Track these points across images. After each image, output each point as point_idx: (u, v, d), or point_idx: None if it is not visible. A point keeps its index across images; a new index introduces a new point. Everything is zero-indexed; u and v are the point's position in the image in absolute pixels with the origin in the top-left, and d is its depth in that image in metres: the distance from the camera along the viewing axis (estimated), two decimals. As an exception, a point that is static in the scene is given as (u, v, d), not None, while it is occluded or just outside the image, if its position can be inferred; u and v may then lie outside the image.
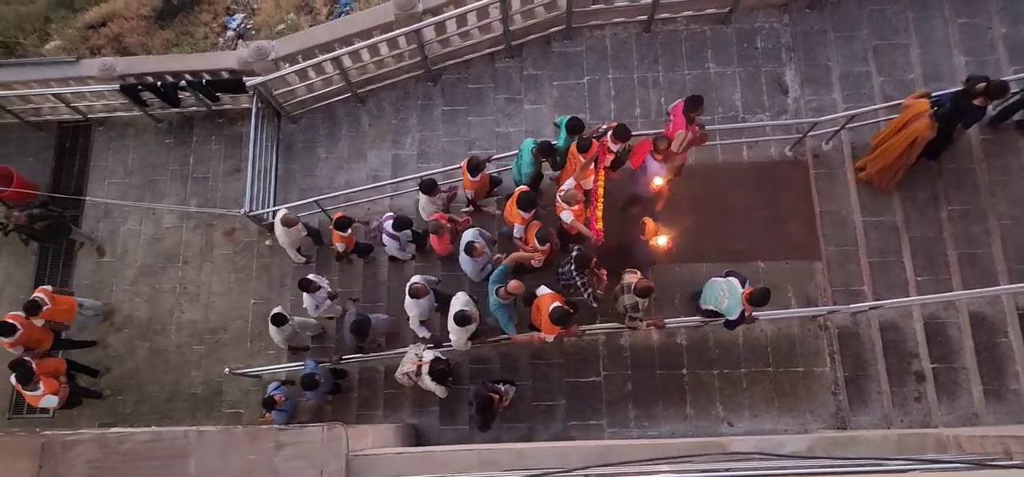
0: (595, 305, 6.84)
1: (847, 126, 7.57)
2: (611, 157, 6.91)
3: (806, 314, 7.29)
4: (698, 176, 7.67)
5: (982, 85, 6.47)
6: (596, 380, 7.54)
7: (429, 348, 7.11)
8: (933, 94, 6.76)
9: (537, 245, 6.67)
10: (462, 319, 6.57)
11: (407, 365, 7.02)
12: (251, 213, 8.43)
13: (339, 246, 7.83)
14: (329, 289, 7.74)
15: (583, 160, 6.75)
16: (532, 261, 6.89)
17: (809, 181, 7.84)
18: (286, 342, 7.96)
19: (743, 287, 6.15)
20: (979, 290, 6.90)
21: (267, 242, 9.11)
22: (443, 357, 7.01)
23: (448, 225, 7.21)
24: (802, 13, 8.31)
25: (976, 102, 6.58)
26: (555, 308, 6.18)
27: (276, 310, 7.62)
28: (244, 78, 8.66)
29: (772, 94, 8.19)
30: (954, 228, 7.34)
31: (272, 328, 7.68)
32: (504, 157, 7.76)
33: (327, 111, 9.20)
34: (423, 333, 7.41)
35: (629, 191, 7.36)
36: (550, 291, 6.52)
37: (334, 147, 9.09)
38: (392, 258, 8.19)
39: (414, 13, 8.15)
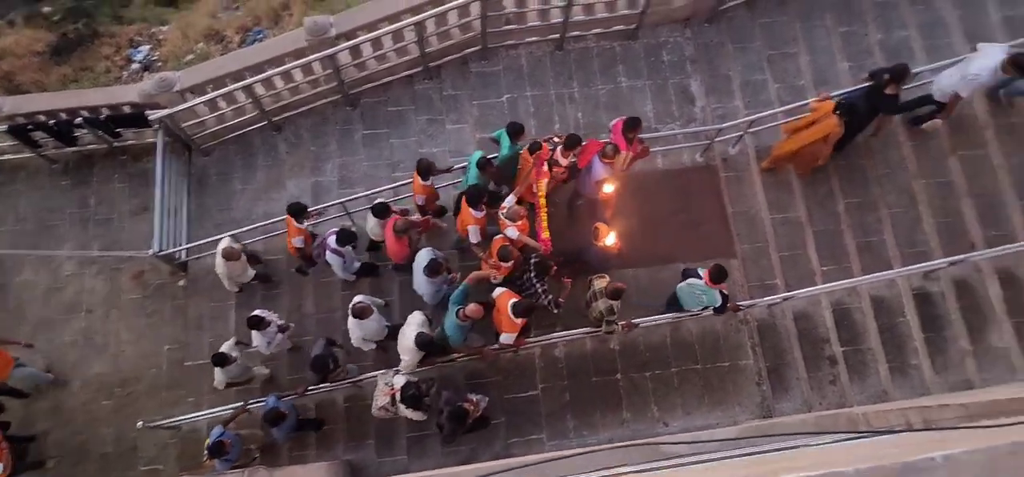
0: (556, 311, 6.67)
1: (749, 130, 7.83)
2: (562, 170, 6.86)
3: (677, 318, 7.32)
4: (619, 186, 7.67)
5: (887, 75, 6.84)
6: (534, 394, 7.36)
7: (398, 373, 6.65)
8: (835, 94, 7.07)
9: (500, 262, 6.44)
10: (424, 343, 6.19)
11: (380, 398, 6.59)
12: (161, 253, 7.74)
13: (297, 240, 7.18)
14: (280, 322, 7.18)
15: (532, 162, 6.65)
16: (493, 277, 6.62)
17: (720, 184, 8.03)
18: (227, 382, 7.14)
19: (700, 278, 6.44)
20: (877, 275, 7.27)
21: (180, 283, 8.38)
22: (413, 380, 6.53)
23: (420, 223, 6.89)
24: (702, 27, 8.57)
25: (888, 91, 6.91)
26: (517, 302, 6.09)
27: (223, 348, 6.98)
28: (147, 112, 7.97)
29: (681, 104, 8.37)
30: (851, 219, 7.71)
31: (215, 369, 6.95)
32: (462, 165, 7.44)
33: (241, 141, 8.63)
34: (369, 347, 6.96)
35: (575, 189, 7.34)
36: (507, 289, 6.39)
37: (251, 178, 8.53)
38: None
39: (327, 38, 7.79)
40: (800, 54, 8.34)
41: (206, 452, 6.66)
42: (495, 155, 7.06)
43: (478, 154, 6.88)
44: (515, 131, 6.84)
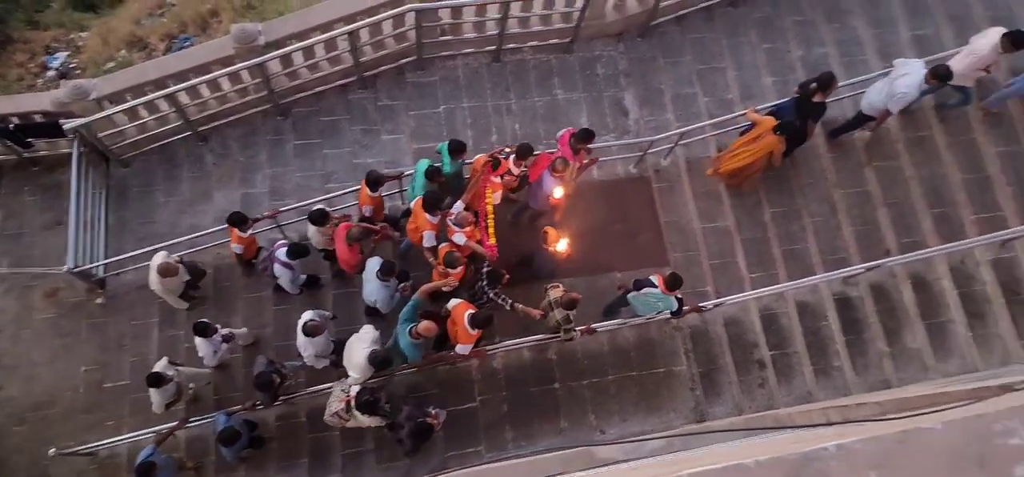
0: (511, 310, 6.60)
1: (680, 142, 8.05)
2: (514, 180, 6.94)
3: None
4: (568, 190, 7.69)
5: (813, 85, 7.14)
6: (472, 406, 7.30)
7: (355, 383, 6.43)
8: (762, 107, 7.39)
9: (447, 269, 6.42)
10: (379, 361, 6.09)
11: (335, 404, 6.37)
12: (77, 269, 7.32)
13: (236, 247, 6.98)
14: (225, 332, 6.87)
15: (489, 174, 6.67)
16: (444, 286, 6.55)
17: (653, 194, 8.22)
18: (165, 404, 6.74)
19: (654, 285, 6.52)
20: (801, 281, 7.56)
21: (98, 301, 7.95)
22: (367, 387, 6.37)
23: (376, 230, 6.73)
24: (635, 42, 8.78)
25: (816, 100, 7.21)
26: (473, 313, 6.09)
27: (156, 367, 6.60)
28: (61, 121, 7.55)
29: (615, 116, 8.53)
30: (777, 228, 8.01)
31: (151, 391, 6.58)
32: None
33: (164, 152, 8.28)
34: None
35: (524, 201, 7.36)
36: (462, 300, 6.37)
37: (175, 190, 8.18)
38: (277, 288, 7.35)
39: (255, 47, 7.57)
40: (727, 69, 8.65)
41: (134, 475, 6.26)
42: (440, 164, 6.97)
43: (425, 163, 6.81)
44: (455, 148, 6.82)
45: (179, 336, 7.70)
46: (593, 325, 6.99)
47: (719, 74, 8.64)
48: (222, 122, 8.24)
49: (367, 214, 7.10)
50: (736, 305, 7.69)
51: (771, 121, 7.19)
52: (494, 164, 6.72)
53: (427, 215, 6.52)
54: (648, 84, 8.67)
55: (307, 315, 6.50)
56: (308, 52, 7.97)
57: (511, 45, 8.56)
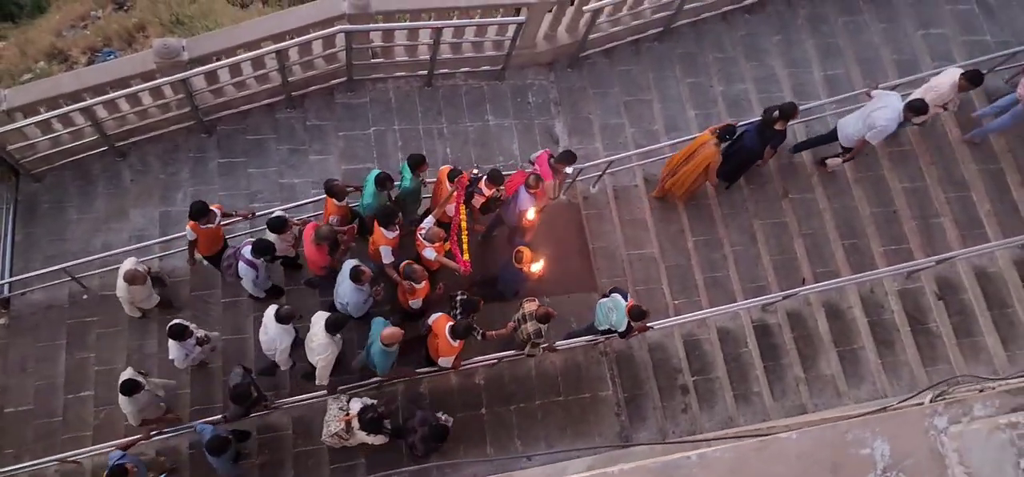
0: (484, 339, 6.75)
1: (608, 171, 8.21)
2: (483, 200, 6.97)
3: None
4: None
5: (776, 112, 7.35)
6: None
7: (356, 398, 6.38)
8: (739, 124, 7.68)
9: (412, 283, 6.36)
10: (334, 324, 6.00)
11: (333, 425, 6.23)
12: (-24, 288, 6.88)
13: (190, 234, 6.65)
14: (199, 334, 6.58)
15: (450, 187, 6.67)
16: (410, 302, 6.53)
17: (582, 221, 8.32)
18: (140, 414, 6.30)
19: (626, 301, 6.61)
20: (722, 307, 7.75)
21: (1, 321, 7.46)
22: (371, 402, 6.25)
23: (346, 231, 6.60)
24: (565, 72, 8.95)
25: (777, 127, 7.43)
26: (454, 325, 6.10)
27: (125, 375, 6.13)
28: (-36, 132, 7.14)
29: (545, 144, 8.62)
30: (699, 256, 8.21)
31: (123, 399, 6.12)
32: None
33: (79, 167, 7.91)
34: (287, 365, 6.65)
35: (498, 216, 7.41)
36: (443, 313, 6.40)
37: (89, 207, 7.81)
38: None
39: (179, 62, 7.35)
40: (653, 101, 8.89)
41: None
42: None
43: (375, 171, 6.75)
44: (416, 162, 6.76)
45: (89, 359, 7.30)
46: (556, 343, 7.13)
47: (645, 106, 8.88)
48: (142, 138, 7.93)
49: (334, 223, 6.89)
50: (661, 331, 7.81)
51: (706, 135, 7.40)
52: (450, 175, 6.71)
53: (383, 230, 6.47)
54: (577, 113, 8.83)
55: (351, 262, 6.32)
56: (234, 69, 7.80)
57: (443, 70, 8.60)
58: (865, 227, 8.45)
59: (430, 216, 6.70)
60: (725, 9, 9.22)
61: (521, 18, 8.12)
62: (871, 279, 8.15)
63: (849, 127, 7.76)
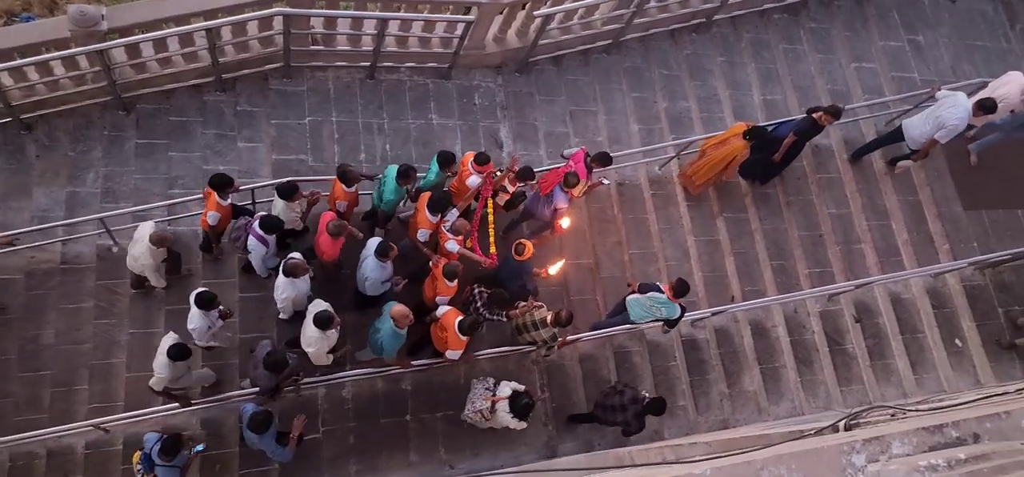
0: (507, 321, 6.56)
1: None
2: (507, 197, 6.82)
3: (522, 349, 7.22)
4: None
5: (821, 111, 7.27)
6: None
7: (504, 382, 6.33)
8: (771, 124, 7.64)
9: (446, 282, 6.13)
10: (323, 320, 5.61)
11: (478, 402, 6.24)
12: None
13: (211, 216, 6.06)
14: (222, 307, 5.95)
15: (475, 173, 6.48)
16: (437, 298, 6.27)
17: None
18: (165, 384, 5.69)
19: (661, 291, 6.53)
20: (653, 321, 7.48)
21: None
22: (523, 389, 6.20)
23: (345, 226, 6.18)
24: (513, 76, 8.52)
25: (815, 116, 7.28)
26: (462, 320, 5.93)
27: (174, 339, 5.55)
28: None
29: (489, 147, 8.17)
30: (634, 268, 7.94)
31: (165, 362, 5.47)
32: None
33: (-23, 138, 6.97)
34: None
35: (528, 209, 7.13)
36: (452, 307, 6.19)
37: (-15, 182, 6.90)
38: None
39: (96, 31, 6.52)
40: (599, 113, 8.56)
41: (165, 452, 5.32)
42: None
43: (394, 168, 6.38)
44: (446, 160, 6.51)
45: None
46: (575, 336, 6.94)
47: (591, 117, 8.54)
48: (51, 111, 7.05)
49: (341, 210, 6.47)
50: (592, 341, 7.50)
51: (742, 126, 7.27)
52: (478, 160, 6.52)
53: (428, 214, 6.27)
54: (523, 119, 8.41)
55: (294, 255, 5.92)
56: (159, 45, 7.01)
57: (387, 64, 8.01)
58: (793, 249, 8.39)
59: (455, 209, 6.49)
60: (673, 27, 8.97)
61: (471, 17, 7.63)
62: (796, 300, 8.09)
63: (915, 128, 7.64)
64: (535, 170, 6.90)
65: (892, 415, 5.34)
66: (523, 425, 6.23)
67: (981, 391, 6.84)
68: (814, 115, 7.39)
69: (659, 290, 6.64)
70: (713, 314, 7.71)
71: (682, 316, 6.76)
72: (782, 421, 7.46)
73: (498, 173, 6.91)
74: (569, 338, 6.91)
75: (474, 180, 6.58)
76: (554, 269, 6.66)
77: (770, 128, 7.71)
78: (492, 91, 8.45)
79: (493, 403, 6.18)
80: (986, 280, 8.56)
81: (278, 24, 7.17)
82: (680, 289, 6.54)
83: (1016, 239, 8.66)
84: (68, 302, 6.55)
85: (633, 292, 6.84)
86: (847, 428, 5.14)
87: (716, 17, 8.98)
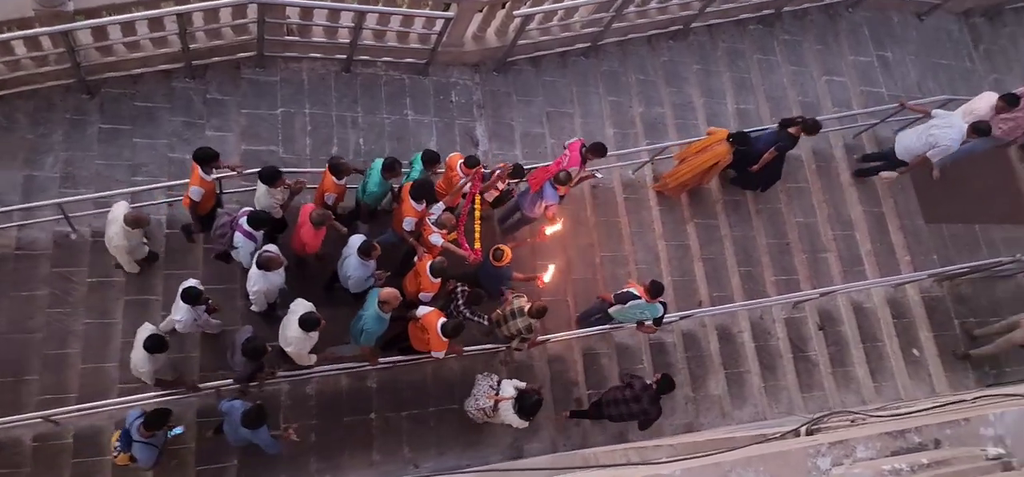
0: (487, 325, 6.52)
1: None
2: (496, 193, 6.82)
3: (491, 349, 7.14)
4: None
5: (798, 123, 7.39)
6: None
7: (508, 380, 6.36)
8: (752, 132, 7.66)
9: (431, 279, 6.08)
10: (308, 322, 5.50)
11: (481, 399, 6.28)
12: None
13: (195, 192, 5.83)
14: (210, 301, 5.87)
15: (464, 176, 6.44)
16: (420, 294, 6.18)
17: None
18: (152, 376, 5.57)
19: (636, 297, 6.53)
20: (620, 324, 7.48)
21: None
22: (534, 387, 6.29)
23: (329, 215, 6.11)
24: (491, 75, 8.41)
25: (791, 131, 7.40)
26: (445, 322, 5.90)
27: (151, 330, 5.41)
28: None
29: (465, 145, 8.07)
30: (605, 271, 7.91)
31: (144, 356, 5.34)
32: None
33: (-68, 117, 6.65)
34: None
35: (516, 205, 7.14)
36: (434, 308, 6.13)
37: (-61, 162, 6.58)
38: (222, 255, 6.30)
39: (62, 12, 6.26)
40: (575, 115, 8.50)
41: (149, 426, 5.26)
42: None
43: (380, 161, 6.36)
44: (431, 159, 6.45)
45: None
46: (546, 335, 6.91)
47: (567, 119, 8.48)
48: (11, 91, 6.74)
49: (329, 202, 6.39)
50: (562, 343, 7.46)
51: (725, 132, 7.32)
52: (469, 163, 6.49)
53: (413, 202, 6.16)
54: (500, 119, 8.32)
55: (269, 247, 5.80)
56: (128, 28, 6.77)
57: (364, 57, 7.85)
58: (761, 256, 8.44)
59: (440, 202, 6.44)
60: (650, 33, 8.95)
61: (450, 14, 7.49)
62: (762, 306, 8.14)
63: (909, 140, 7.71)
64: (605, 154, 6.94)
65: (852, 421, 5.40)
66: (525, 424, 6.22)
67: (939, 399, 6.96)
68: (791, 129, 7.45)
69: (635, 297, 6.62)
70: (681, 318, 7.71)
71: (666, 311, 6.79)
72: (745, 425, 7.50)
73: (489, 170, 6.83)
74: (539, 338, 6.87)
75: (464, 182, 6.55)
76: (548, 276, 6.68)
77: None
78: (469, 89, 8.34)
79: (496, 402, 6.14)
80: (944, 292, 8.71)
81: (253, 12, 6.95)
82: (655, 290, 6.54)
83: (973, 253, 8.85)
84: (21, 289, 6.28)
85: (610, 305, 6.83)
86: (809, 433, 5.18)
87: (693, 25, 8.99)
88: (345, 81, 7.83)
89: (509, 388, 6.21)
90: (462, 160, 6.52)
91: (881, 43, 9.71)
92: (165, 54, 7.08)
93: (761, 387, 7.91)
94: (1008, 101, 7.52)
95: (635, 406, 6.36)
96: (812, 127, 7.43)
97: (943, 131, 7.35)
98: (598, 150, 6.84)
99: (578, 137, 7.12)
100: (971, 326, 8.55)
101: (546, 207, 6.73)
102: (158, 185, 6.61)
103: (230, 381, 6.02)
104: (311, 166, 7.21)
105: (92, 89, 6.95)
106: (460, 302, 6.39)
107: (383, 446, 6.65)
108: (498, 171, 6.73)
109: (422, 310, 6.10)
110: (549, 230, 6.79)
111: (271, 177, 5.96)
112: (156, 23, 6.78)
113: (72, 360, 6.17)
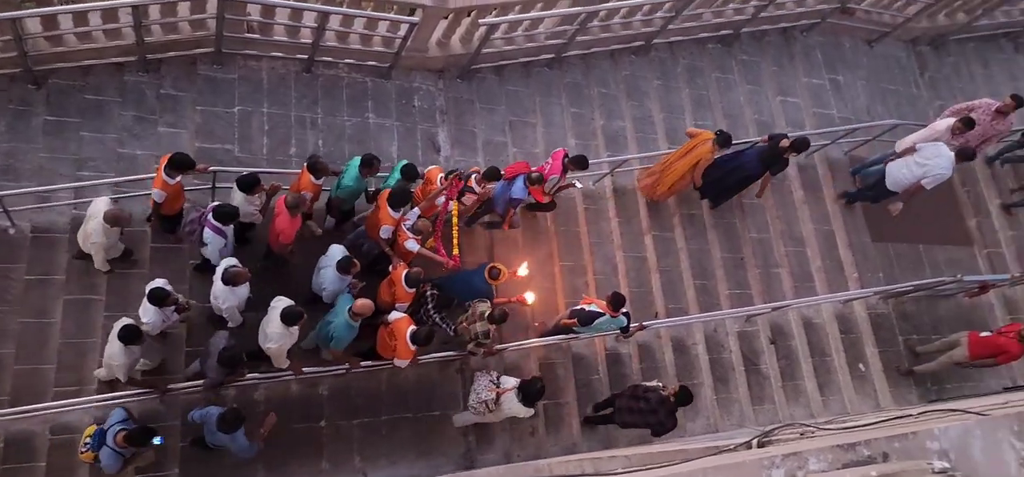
0: (453, 334, 6.45)
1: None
2: (474, 198, 6.73)
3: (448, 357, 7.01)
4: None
5: (785, 140, 7.37)
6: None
7: (506, 376, 6.31)
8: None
9: (406, 288, 6.00)
10: (291, 315, 5.39)
11: (483, 393, 6.18)
12: None
13: (157, 193, 5.63)
14: (181, 300, 5.65)
15: (441, 185, 6.44)
16: (396, 305, 6.08)
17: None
18: (128, 371, 5.32)
19: (600, 313, 6.54)
20: (578, 334, 7.42)
21: None
22: (537, 377, 6.29)
23: (306, 200, 5.99)
24: (454, 82, 8.30)
25: (785, 156, 7.46)
26: (416, 331, 5.81)
27: (126, 321, 5.15)
28: None
29: (426, 151, 7.94)
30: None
31: (120, 348, 5.10)
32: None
33: None
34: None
35: (489, 206, 7.11)
36: (404, 314, 6.01)
37: None
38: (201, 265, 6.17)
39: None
40: (537, 125, 8.43)
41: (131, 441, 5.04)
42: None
43: (358, 159, 6.26)
44: (412, 174, 6.39)
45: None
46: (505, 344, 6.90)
47: (529, 129, 8.41)
48: (-49, 78, 6.39)
49: (306, 200, 6.16)
50: (519, 353, 7.35)
51: (710, 133, 7.36)
52: (462, 184, 6.52)
53: (390, 210, 6.06)
54: (463, 126, 8.20)
55: (227, 261, 5.57)
56: (80, 18, 6.46)
57: (326, 58, 7.65)
58: (715, 270, 8.47)
59: (416, 209, 6.35)
60: (613, 47, 8.96)
61: (415, 19, 7.36)
62: (716, 319, 8.19)
63: (900, 174, 7.87)
64: (587, 167, 6.97)
65: (801, 434, 5.43)
66: (531, 412, 6.25)
67: (887, 413, 7.08)
68: (782, 146, 7.49)
69: (598, 314, 6.58)
70: (638, 329, 7.68)
71: (629, 323, 6.79)
72: (698, 437, 7.50)
73: (466, 173, 6.77)
74: (496, 347, 6.77)
75: (439, 190, 6.52)
76: (531, 297, 6.77)
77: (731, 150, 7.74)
78: (432, 95, 8.22)
79: (498, 395, 6.10)
80: (889, 309, 8.89)
81: (212, 7, 6.72)
82: (617, 302, 6.51)
83: (917, 272, 9.07)
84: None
85: (574, 325, 6.79)
86: (761, 445, 5.19)
87: (655, 41, 9.03)
88: (306, 81, 7.62)
89: (510, 381, 6.21)
90: (442, 173, 6.51)
91: (833, 67, 9.93)
92: (118, 46, 6.75)
93: (714, 399, 7.93)
94: (966, 123, 7.78)
95: (651, 417, 6.38)
96: (801, 145, 7.54)
97: (934, 160, 7.64)
98: (580, 162, 6.86)
99: (562, 148, 7.13)
100: (914, 343, 8.74)
101: (514, 201, 6.77)
102: (105, 181, 6.29)
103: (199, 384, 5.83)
104: (268, 166, 6.99)
105: (39, 79, 6.58)
106: (430, 306, 6.31)
107: (333, 455, 6.42)
108: (474, 175, 6.68)
109: (394, 315, 6.00)
110: (528, 297, 6.85)
111: (250, 185, 5.82)
112: (110, 14, 6.48)
113: (6, 361, 5.80)
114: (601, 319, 6.61)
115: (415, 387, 6.92)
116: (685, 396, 6.34)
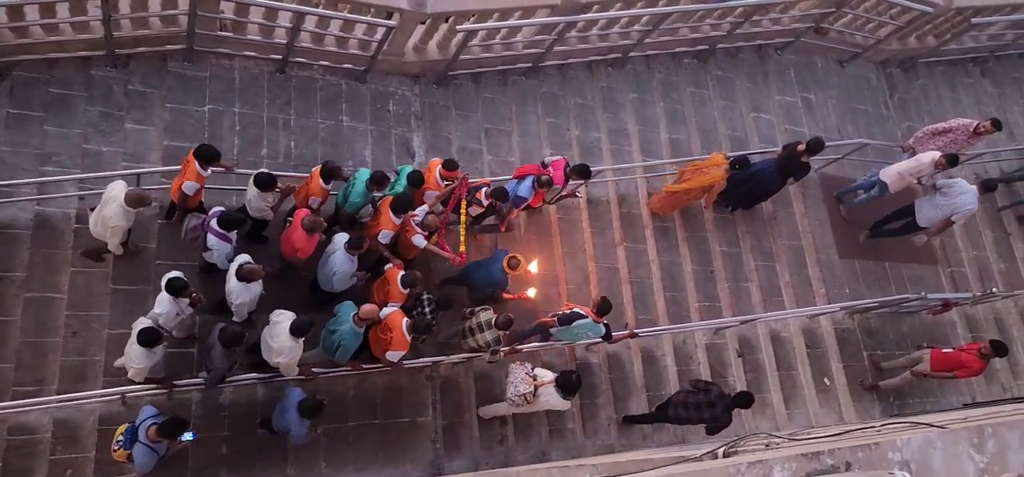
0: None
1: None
2: (480, 210, 7.02)
3: (418, 364, 7.05)
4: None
5: (802, 145, 7.73)
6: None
7: (540, 368, 6.46)
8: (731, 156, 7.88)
9: (401, 289, 6.11)
10: (301, 327, 5.50)
11: (520, 385, 6.27)
12: None
13: (189, 186, 5.76)
14: (193, 294, 5.65)
15: (443, 180, 6.59)
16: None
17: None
18: (146, 374, 5.39)
19: (585, 316, 6.60)
20: (548, 343, 7.52)
21: None
22: (573, 369, 6.63)
23: (322, 223, 6.09)
24: (430, 87, 8.39)
25: (803, 160, 7.77)
26: (415, 321, 5.98)
27: (145, 324, 5.19)
28: None
29: (400, 156, 8.00)
30: (537, 290, 7.95)
31: (141, 352, 5.13)
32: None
33: None
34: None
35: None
36: (398, 308, 6.10)
37: None
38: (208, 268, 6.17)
39: (-30, -13, 5.90)
40: (513, 133, 8.55)
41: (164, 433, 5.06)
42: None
43: (366, 172, 6.40)
44: (417, 182, 6.48)
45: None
46: (517, 346, 6.95)
47: (505, 137, 8.53)
48: (-92, 67, 6.29)
49: (314, 206, 6.33)
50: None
51: (723, 158, 7.70)
52: (470, 195, 6.78)
53: (392, 216, 6.22)
54: (438, 132, 8.28)
55: (241, 257, 5.65)
56: (46, 9, 6.41)
57: (300, 59, 7.67)
58: (686, 282, 8.66)
59: (425, 206, 6.50)
60: (590, 59, 9.14)
61: (392, 22, 7.43)
62: (685, 331, 8.37)
63: (929, 212, 8.22)
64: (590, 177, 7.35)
65: (767, 445, 5.61)
66: (568, 404, 6.42)
67: (849, 426, 7.32)
68: (798, 150, 7.81)
69: (581, 316, 6.69)
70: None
71: (610, 334, 6.93)
72: (665, 447, 7.67)
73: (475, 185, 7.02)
74: (504, 350, 6.84)
75: (451, 186, 6.76)
76: (532, 292, 7.06)
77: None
78: (408, 100, 8.29)
79: (536, 387, 6.23)
80: (854, 325, 9.17)
81: (184, 3, 6.71)
82: (603, 308, 6.68)
83: (883, 288, 9.37)
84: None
85: (550, 326, 6.88)
86: (726, 455, 5.35)
87: (632, 54, 9.23)
88: (279, 82, 7.64)
89: (547, 374, 6.34)
90: (441, 164, 6.64)
91: (805, 85, 10.24)
92: (86, 40, 6.70)
93: (682, 410, 8.09)
94: (950, 161, 8.07)
95: (707, 412, 6.59)
96: (816, 145, 7.79)
97: (961, 198, 8.01)
98: (582, 171, 7.15)
99: (562, 156, 7.39)
100: (878, 358, 9.03)
101: (520, 199, 6.99)
102: (69, 177, 6.25)
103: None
104: (242, 168, 6.98)
105: (3, 71, 6.49)
106: (426, 309, 6.39)
107: (298, 461, 6.43)
108: (484, 189, 6.89)
109: (386, 310, 6.06)
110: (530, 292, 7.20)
111: (265, 183, 5.90)
112: (78, 6, 6.44)
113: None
114: (582, 321, 6.70)
115: (383, 393, 6.96)
116: (745, 398, 6.60)
